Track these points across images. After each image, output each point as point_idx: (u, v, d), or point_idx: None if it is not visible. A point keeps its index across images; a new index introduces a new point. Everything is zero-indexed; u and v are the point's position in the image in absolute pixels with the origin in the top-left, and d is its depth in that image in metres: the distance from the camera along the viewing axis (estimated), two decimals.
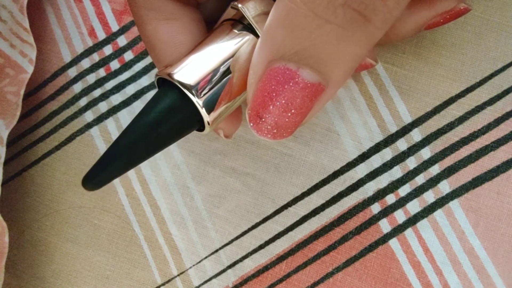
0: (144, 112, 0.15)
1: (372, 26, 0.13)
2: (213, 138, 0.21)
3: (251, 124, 0.15)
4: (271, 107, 0.14)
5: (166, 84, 0.16)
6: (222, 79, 0.16)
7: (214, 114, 0.16)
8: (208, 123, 0.16)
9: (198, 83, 0.15)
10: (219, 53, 0.16)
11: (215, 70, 0.16)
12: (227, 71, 0.16)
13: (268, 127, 0.14)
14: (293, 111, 0.14)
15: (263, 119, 0.14)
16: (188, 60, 0.16)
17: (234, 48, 0.16)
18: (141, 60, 0.22)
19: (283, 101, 0.14)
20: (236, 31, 0.16)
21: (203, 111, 0.16)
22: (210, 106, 0.16)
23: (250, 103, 0.14)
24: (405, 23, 0.18)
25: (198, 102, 0.15)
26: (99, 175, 0.14)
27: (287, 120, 0.14)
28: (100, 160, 0.14)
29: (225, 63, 0.16)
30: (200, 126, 0.16)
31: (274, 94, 0.14)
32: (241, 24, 0.16)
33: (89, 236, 0.22)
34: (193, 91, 0.15)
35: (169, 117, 0.15)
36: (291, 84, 0.14)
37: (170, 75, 0.15)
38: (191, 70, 0.16)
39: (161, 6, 0.17)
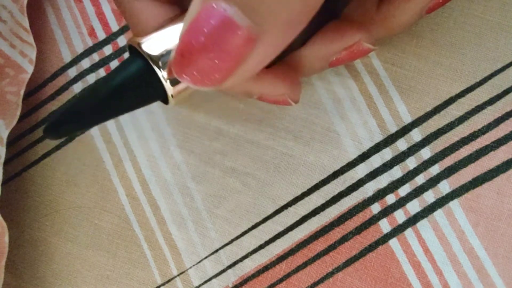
0: (110, 75, 0.15)
1: None
2: (213, 138, 0.21)
3: (174, 65, 0.14)
4: (195, 47, 0.13)
5: (135, 53, 0.16)
6: None
7: (179, 87, 0.16)
8: (172, 96, 0.16)
9: (164, 55, 0.15)
10: None
11: None
12: None
13: (191, 69, 0.13)
14: (218, 54, 0.13)
15: (186, 60, 0.13)
16: (160, 32, 0.16)
17: None
18: None
19: (208, 43, 0.13)
20: None
21: (167, 84, 0.15)
22: (176, 79, 0.15)
23: (178, 43, 0.14)
24: (404, 10, 0.17)
25: (162, 74, 0.15)
26: (59, 128, 0.15)
27: (210, 63, 0.13)
28: (64, 114, 0.15)
29: None
30: (165, 98, 0.16)
31: (200, 34, 0.13)
32: None
33: (89, 236, 0.22)
34: (160, 63, 0.15)
35: (134, 85, 0.15)
36: (218, 23, 0.13)
37: (139, 44, 0.16)
38: (160, 42, 0.15)
39: None
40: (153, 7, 0.17)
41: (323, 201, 0.20)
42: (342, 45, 0.17)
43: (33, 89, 0.23)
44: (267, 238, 0.21)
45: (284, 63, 0.18)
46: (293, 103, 0.19)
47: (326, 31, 0.18)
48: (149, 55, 0.15)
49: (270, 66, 0.18)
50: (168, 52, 0.15)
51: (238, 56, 0.13)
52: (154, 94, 0.16)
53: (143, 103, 0.16)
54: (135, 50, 0.16)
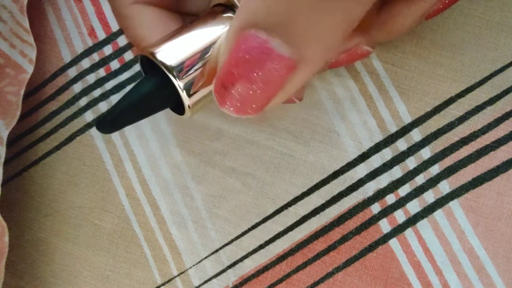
0: (136, 87, 0.16)
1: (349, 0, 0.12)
2: (213, 138, 0.21)
3: (215, 95, 0.14)
4: (237, 77, 0.13)
5: (146, 63, 0.16)
6: (206, 62, 0.15)
7: (196, 97, 0.16)
8: (189, 107, 0.16)
9: (180, 65, 0.15)
10: (205, 36, 0.16)
11: (199, 53, 0.15)
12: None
13: (232, 99, 0.13)
14: (260, 84, 0.13)
15: (227, 90, 0.13)
16: (172, 42, 0.16)
17: (220, 33, 0.16)
18: None
19: (250, 72, 0.13)
20: (224, 15, 0.16)
21: (183, 94, 0.15)
22: (190, 90, 0.15)
23: (218, 72, 0.14)
24: (405, 15, 0.17)
25: (179, 84, 0.15)
26: (108, 126, 0.16)
27: (251, 93, 0.13)
28: (105, 117, 0.16)
29: (210, 47, 0.15)
30: (182, 109, 0.16)
31: (241, 64, 0.13)
32: (230, 9, 0.16)
33: (89, 236, 0.22)
34: (175, 72, 0.15)
35: (152, 98, 0.16)
36: (260, 54, 0.13)
37: (153, 54, 0.15)
38: (174, 51, 0.15)
39: None
40: (150, 11, 0.17)
41: (323, 201, 0.20)
42: (342, 48, 0.18)
43: (33, 89, 0.23)
44: (267, 238, 0.21)
45: None
46: (297, 101, 0.19)
47: None
48: (165, 65, 0.15)
49: None
50: (182, 63, 0.15)
51: (279, 84, 0.13)
52: (171, 103, 0.16)
53: (162, 109, 0.17)
54: (146, 61, 0.16)
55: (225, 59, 0.13)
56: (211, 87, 0.16)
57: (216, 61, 0.14)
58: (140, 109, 0.16)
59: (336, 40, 0.13)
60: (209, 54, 0.15)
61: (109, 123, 0.16)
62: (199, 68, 0.15)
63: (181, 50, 0.15)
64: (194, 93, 0.16)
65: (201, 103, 0.16)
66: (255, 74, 0.13)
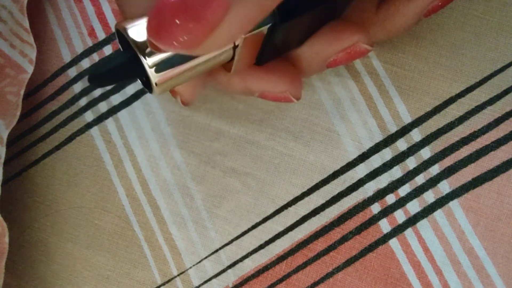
0: (108, 60, 0.17)
1: None
2: (213, 138, 0.21)
3: (147, 28, 0.14)
4: (166, 5, 0.13)
5: (122, 37, 0.16)
6: None
7: (165, 75, 0.15)
8: (156, 84, 0.16)
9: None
10: None
11: None
12: None
13: (159, 28, 0.13)
14: (188, 14, 0.13)
15: (155, 18, 0.13)
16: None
17: None
18: None
19: (180, 3, 0.13)
20: None
21: (151, 71, 0.15)
22: (161, 67, 0.15)
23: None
24: (403, 13, 0.17)
25: (146, 62, 0.15)
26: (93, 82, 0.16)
27: (177, 22, 0.13)
28: (90, 75, 0.16)
29: None
30: (150, 87, 0.16)
31: None
32: None
33: (89, 236, 0.22)
34: (145, 49, 0.15)
35: (125, 71, 0.16)
36: None
37: (125, 29, 0.15)
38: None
39: None
40: None
41: (323, 201, 0.20)
42: (340, 46, 0.17)
43: (33, 89, 0.23)
44: (267, 238, 0.21)
45: (285, 60, 0.18)
46: (295, 100, 0.19)
47: (324, 31, 0.18)
48: (134, 42, 0.15)
49: (267, 62, 0.18)
50: None
51: (209, 19, 0.13)
52: (143, 79, 0.16)
53: (141, 78, 0.17)
54: (122, 35, 0.16)
55: None
56: (181, 67, 0.16)
57: None
58: (116, 77, 0.16)
59: None
60: None
61: (91, 82, 0.16)
62: None
63: None
64: (161, 70, 0.15)
65: (171, 82, 0.16)
66: (183, 4, 0.13)
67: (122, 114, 0.22)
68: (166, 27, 0.13)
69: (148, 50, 0.15)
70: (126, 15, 0.17)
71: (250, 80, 0.18)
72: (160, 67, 0.15)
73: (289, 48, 0.18)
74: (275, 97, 0.18)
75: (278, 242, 0.21)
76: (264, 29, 0.16)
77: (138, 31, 0.15)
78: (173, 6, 0.13)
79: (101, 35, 0.23)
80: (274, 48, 0.17)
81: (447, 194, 0.20)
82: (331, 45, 0.17)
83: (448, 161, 0.20)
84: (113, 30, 0.23)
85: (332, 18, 0.18)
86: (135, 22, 0.16)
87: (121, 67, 0.16)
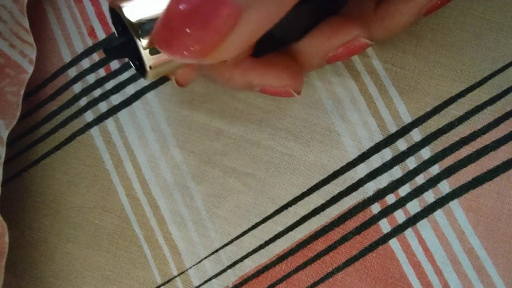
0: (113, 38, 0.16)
1: None
2: (213, 138, 0.21)
3: (155, 33, 0.13)
4: (177, 13, 0.13)
5: (116, 17, 0.15)
6: None
7: (159, 58, 0.15)
8: (150, 68, 0.15)
9: (145, 22, 0.14)
10: None
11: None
12: None
13: (170, 37, 0.13)
14: (199, 24, 0.13)
15: (165, 27, 0.13)
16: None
17: None
18: None
19: (191, 11, 0.13)
20: None
21: (145, 52, 0.15)
22: (156, 49, 0.14)
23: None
24: (403, 11, 0.17)
25: (140, 42, 0.14)
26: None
27: (188, 32, 0.13)
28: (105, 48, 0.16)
29: None
30: (144, 70, 0.15)
31: (181, 2, 0.13)
32: None
33: (89, 236, 0.22)
34: (139, 30, 0.14)
35: (123, 51, 0.15)
36: None
37: (120, 8, 0.15)
38: (142, 9, 0.15)
39: None
40: None
41: (323, 201, 0.20)
42: (339, 41, 0.17)
43: (33, 89, 0.23)
44: (267, 238, 0.21)
45: (286, 54, 0.18)
46: (296, 94, 0.18)
47: (324, 26, 0.18)
48: (129, 21, 0.14)
49: (265, 54, 0.18)
50: (149, 21, 0.14)
51: (221, 28, 0.13)
52: (136, 63, 0.16)
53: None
54: (116, 15, 0.15)
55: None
56: None
57: None
58: (122, 54, 0.16)
59: None
60: None
61: (105, 53, 0.16)
62: None
63: (150, 8, 0.15)
64: (156, 53, 0.15)
65: (165, 66, 0.15)
66: (196, 14, 0.13)
67: (122, 114, 0.22)
68: (176, 36, 0.13)
69: (142, 30, 0.14)
70: None
71: (251, 74, 0.18)
72: (155, 49, 0.15)
73: (287, 41, 0.18)
74: (276, 92, 0.18)
75: (278, 242, 0.20)
76: None
77: (133, 10, 0.15)
78: (183, 14, 0.13)
79: (101, 35, 0.23)
80: (271, 41, 0.17)
81: (447, 194, 0.20)
82: (330, 39, 0.17)
83: (448, 161, 0.20)
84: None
85: (331, 14, 0.18)
86: (131, 1, 0.15)
87: (120, 47, 0.15)
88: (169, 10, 0.13)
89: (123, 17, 0.14)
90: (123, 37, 0.15)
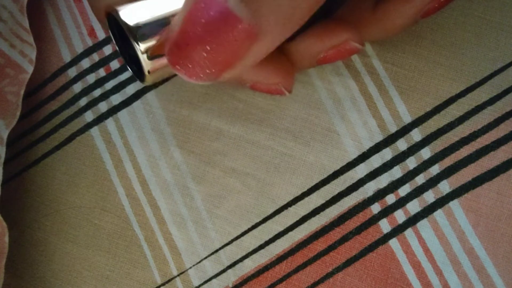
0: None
1: None
2: (213, 138, 0.21)
3: (167, 54, 0.13)
4: (191, 36, 0.12)
5: (112, 21, 0.15)
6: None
7: (158, 62, 0.15)
8: (149, 72, 0.15)
9: (143, 26, 0.14)
10: (175, 1, 0.15)
11: (167, 17, 0.14)
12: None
13: (185, 60, 0.13)
14: (214, 47, 0.12)
15: (180, 50, 0.13)
16: (139, 3, 0.15)
17: None
18: None
19: (205, 34, 0.12)
20: None
21: (143, 57, 0.14)
22: (154, 55, 0.14)
23: (173, 31, 0.13)
24: (400, 13, 0.17)
25: (139, 47, 0.14)
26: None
27: (205, 55, 0.13)
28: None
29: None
30: (142, 75, 0.15)
31: (197, 24, 0.12)
32: None
33: (89, 236, 0.22)
34: (137, 34, 0.14)
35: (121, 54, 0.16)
36: (217, 15, 0.12)
37: (116, 11, 0.14)
38: (140, 12, 0.14)
39: None
40: None
41: (323, 201, 0.20)
42: (330, 43, 0.18)
43: (33, 89, 0.23)
44: (267, 238, 0.21)
45: (279, 52, 0.18)
46: (287, 93, 0.18)
47: (316, 28, 0.18)
48: (127, 25, 0.14)
49: None
50: (147, 24, 0.14)
51: (236, 51, 0.13)
52: (133, 67, 0.16)
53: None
54: (113, 19, 0.15)
55: (181, 19, 0.13)
56: None
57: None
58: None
59: (299, 14, 0.13)
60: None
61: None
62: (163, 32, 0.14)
63: (148, 12, 0.14)
64: (154, 57, 0.14)
65: (164, 70, 0.15)
66: (211, 37, 0.12)
67: (122, 114, 0.22)
68: (192, 60, 0.13)
69: (140, 33, 0.14)
70: (93, 9, 0.16)
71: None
72: (153, 54, 0.14)
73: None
74: (267, 89, 0.18)
75: (278, 242, 0.20)
76: None
77: (130, 14, 0.14)
78: (200, 38, 0.12)
79: (101, 35, 0.23)
80: None
81: (447, 194, 0.20)
82: (321, 41, 0.17)
83: (448, 161, 0.20)
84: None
85: (326, 16, 0.18)
86: (127, 5, 0.15)
87: (120, 51, 0.15)
88: (184, 31, 0.13)
89: (120, 20, 0.14)
90: (120, 42, 0.15)
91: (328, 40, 0.17)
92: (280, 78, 0.18)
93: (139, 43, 0.14)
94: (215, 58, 0.13)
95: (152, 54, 0.14)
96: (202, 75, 0.13)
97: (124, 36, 0.15)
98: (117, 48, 0.16)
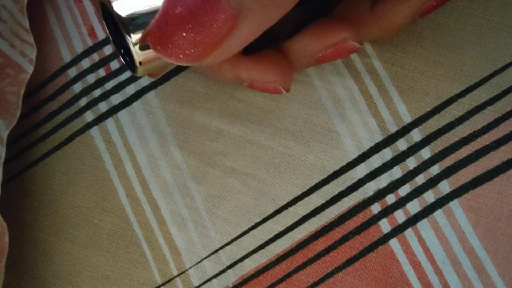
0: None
1: None
2: (213, 138, 0.21)
3: (150, 36, 0.13)
4: (172, 17, 0.13)
5: (107, 12, 0.15)
6: None
7: (149, 54, 0.15)
8: (140, 63, 0.15)
9: (135, 17, 0.14)
10: None
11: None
12: None
13: (165, 40, 0.13)
14: (195, 28, 0.12)
15: (161, 30, 0.13)
16: None
17: None
18: None
19: (186, 14, 0.12)
20: None
21: (135, 48, 0.14)
22: (147, 45, 0.14)
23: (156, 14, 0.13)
24: (398, 12, 0.17)
25: (130, 39, 0.14)
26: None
27: (184, 35, 0.13)
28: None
29: None
30: (134, 66, 0.15)
31: (178, 4, 0.12)
32: None
33: (89, 236, 0.22)
34: (130, 25, 0.14)
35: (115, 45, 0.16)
36: None
37: (109, 2, 0.14)
38: (132, 4, 0.14)
39: None
40: None
41: (323, 201, 0.20)
42: (328, 42, 0.17)
43: (33, 89, 0.23)
44: (267, 238, 0.21)
45: (277, 51, 0.18)
46: (284, 92, 0.18)
47: (314, 27, 0.18)
48: (119, 16, 0.14)
49: (254, 52, 0.18)
50: (140, 16, 0.14)
51: (215, 32, 0.13)
52: (126, 58, 0.16)
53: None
54: (107, 10, 0.15)
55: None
56: None
57: None
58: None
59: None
60: None
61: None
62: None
63: (140, 4, 0.14)
64: (146, 48, 0.15)
65: (156, 62, 0.15)
66: (189, 16, 0.12)
67: (122, 114, 0.22)
68: (171, 39, 0.13)
69: (132, 25, 0.14)
70: None
71: (241, 68, 0.18)
72: (146, 45, 0.15)
73: (278, 40, 0.18)
74: (265, 88, 0.18)
75: (278, 242, 0.20)
76: None
77: (123, 5, 0.14)
78: (179, 18, 0.13)
79: (101, 35, 0.23)
80: (261, 38, 0.17)
81: (447, 194, 0.20)
82: (319, 39, 0.17)
83: (448, 161, 0.20)
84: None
85: (323, 14, 0.18)
86: None
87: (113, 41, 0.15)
88: (164, 12, 0.13)
89: (112, 12, 0.14)
90: (114, 33, 0.15)
91: (326, 38, 0.17)
92: (278, 77, 0.18)
93: (131, 34, 0.14)
94: (194, 39, 0.13)
95: (142, 44, 0.15)
96: (181, 56, 0.13)
97: (117, 27, 0.15)
98: (111, 39, 0.16)
